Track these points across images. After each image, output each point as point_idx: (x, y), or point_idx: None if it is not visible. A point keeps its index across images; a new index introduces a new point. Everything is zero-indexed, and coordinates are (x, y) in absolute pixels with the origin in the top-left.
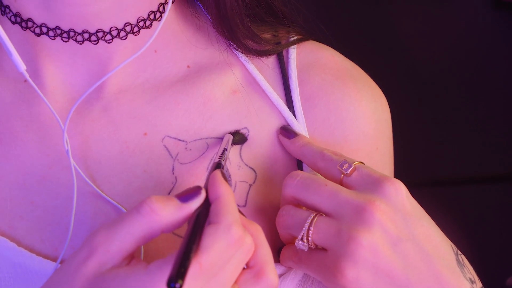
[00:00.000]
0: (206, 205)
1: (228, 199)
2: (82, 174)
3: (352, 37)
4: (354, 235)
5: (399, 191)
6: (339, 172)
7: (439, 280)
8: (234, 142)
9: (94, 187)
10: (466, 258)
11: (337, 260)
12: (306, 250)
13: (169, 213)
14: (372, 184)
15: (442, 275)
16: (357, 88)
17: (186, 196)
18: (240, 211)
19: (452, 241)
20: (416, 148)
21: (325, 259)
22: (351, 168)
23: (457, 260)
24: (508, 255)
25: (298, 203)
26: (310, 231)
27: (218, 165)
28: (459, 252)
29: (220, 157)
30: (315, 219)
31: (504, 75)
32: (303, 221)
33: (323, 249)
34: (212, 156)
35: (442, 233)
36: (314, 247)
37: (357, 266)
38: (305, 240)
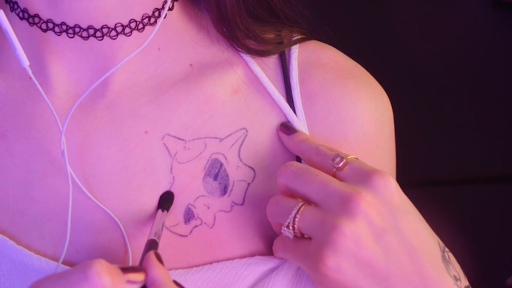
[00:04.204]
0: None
1: (163, 284)
2: (75, 177)
3: (353, 37)
4: (337, 224)
5: (388, 184)
6: (331, 166)
7: (421, 274)
8: (168, 205)
9: (85, 190)
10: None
11: (319, 248)
12: (291, 237)
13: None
14: (361, 176)
15: (425, 270)
16: (358, 87)
17: (131, 273)
18: (178, 284)
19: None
20: (416, 148)
21: (308, 247)
22: (342, 162)
23: (443, 256)
24: (508, 255)
25: (292, 193)
26: (296, 219)
27: (153, 243)
28: (447, 249)
29: (155, 235)
30: (302, 208)
31: (504, 75)
32: (290, 209)
33: (309, 238)
34: (209, 156)
35: (430, 229)
36: (300, 235)
37: (338, 255)
38: (290, 227)
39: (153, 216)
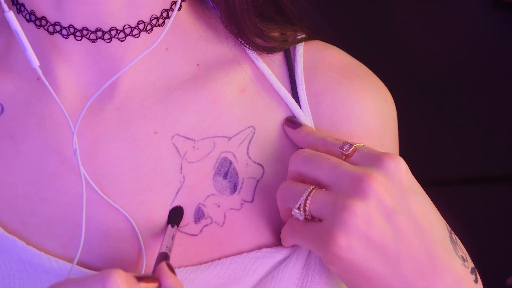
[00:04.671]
0: None
1: None
2: (87, 176)
3: (353, 37)
4: (348, 204)
5: (399, 165)
6: (340, 154)
7: (430, 255)
8: (178, 220)
9: (98, 190)
10: None
11: (330, 228)
12: (301, 219)
13: None
14: (371, 159)
15: (434, 250)
16: (363, 86)
17: (145, 283)
18: None
19: None
20: (416, 148)
21: (319, 229)
22: (351, 149)
23: (451, 237)
24: (508, 255)
25: (303, 179)
26: (308, 201)
27: (164, 255)
28: (453, 232)
29: (166, 248)
30: (313, 191)
31: (504, 75)
32: (301, 192)
33: (319, 221)
34: (218, 155)
35: (437, 211)
36: (310, 218)
37: (349, 234)
38: (301, 209)
39: (164, 216)
